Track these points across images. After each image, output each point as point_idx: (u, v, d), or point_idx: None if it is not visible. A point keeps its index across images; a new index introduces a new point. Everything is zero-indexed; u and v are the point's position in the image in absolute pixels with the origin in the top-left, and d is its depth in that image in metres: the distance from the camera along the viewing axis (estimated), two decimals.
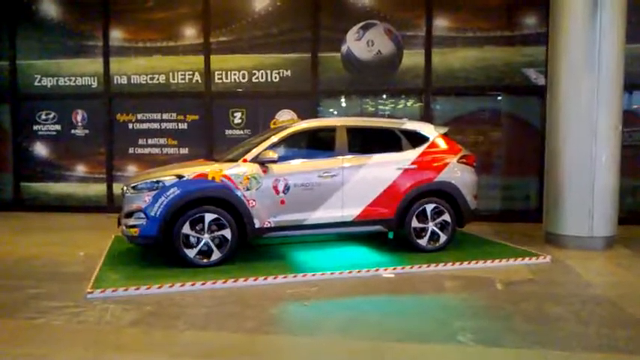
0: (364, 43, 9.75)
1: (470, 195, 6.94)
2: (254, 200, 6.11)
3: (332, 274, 5.78)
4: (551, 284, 5.52)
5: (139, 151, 10.34)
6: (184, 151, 10.20)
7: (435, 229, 6.74)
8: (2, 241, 7.85)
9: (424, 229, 6.72)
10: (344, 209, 6.46)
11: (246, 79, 10.04)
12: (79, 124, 10.50)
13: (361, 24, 9.73)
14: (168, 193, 5.89)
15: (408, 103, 9.96)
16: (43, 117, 10.55)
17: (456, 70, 9.55)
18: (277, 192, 6.20)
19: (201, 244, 5.95)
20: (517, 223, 9.12)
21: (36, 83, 10.52)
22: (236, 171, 6.13)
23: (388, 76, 9.75)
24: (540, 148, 8.23)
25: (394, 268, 5.99)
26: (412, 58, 9.65)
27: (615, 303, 4.90)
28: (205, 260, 5.96)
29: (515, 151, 9.62)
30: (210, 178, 6.06)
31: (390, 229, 6.77)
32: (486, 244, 7.41)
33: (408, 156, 6.78)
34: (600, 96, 6.91)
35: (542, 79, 9.04)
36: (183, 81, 10.18)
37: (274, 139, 6.44)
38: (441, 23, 9.55)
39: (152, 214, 5.85)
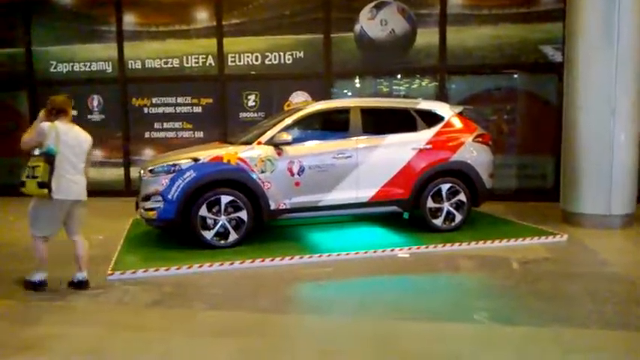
0: (377, 23, 9.64)
1: (485, 174, 6.90)
2: (269, 182, 6.14)
3: (347, 254, 5.81)
4: (567, 263, 5.50)
5: (155, 135, 10.41)
6: (199, 134, 10.24)
7: (451, 208, 6.73)
8: (21, 225, 7.97)
9: (439, 209, 6.71)
10: (359, 190, 6.47)
11: (259, 62, 10.01)
12: (95, 109, 10.59)
13: (374, 3, 9.62)
14: (184, 176, 5.95)
15: (423, 83, 9.86)
16: None
17: (471, 49, 9.41)
18: (292, 174, 6.23)
19: (218, 225, 6.02)
20: (533, 202, 9.04)
21: (52, 69, 10.60)
22: (251, 153, 6.17)
23: (402, 56, 9.65)
24: (557, 126, 8.11)
25: (409, 248, 6.01)
26: (426, 37, 9.53)
27: (632, 281, 4.87)
28: (222, 242, 6.03)
29: (531, 129, 9.49)
30: (225, 160, 6.10)
31: (406, 210, 6.77)
32: (502, 223, 7.38)
33: (423, 136, 6.75)
34: (619, 72, 6.77)
35: (559, 56, 8.87)
36: (196, 64, 10.19)
37: (288, 121, 6.44)
38: (456, 1, 9.39)
39: (169, 197, 5.92)
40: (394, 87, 9.92)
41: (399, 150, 6.62)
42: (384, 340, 3.66)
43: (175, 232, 6.64)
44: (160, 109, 10.35)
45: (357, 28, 9.71)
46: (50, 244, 4.84)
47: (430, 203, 6.66)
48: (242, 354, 3.48)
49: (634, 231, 6.92)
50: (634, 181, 7.08)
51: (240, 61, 10.06)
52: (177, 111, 10.30)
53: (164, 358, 3.44)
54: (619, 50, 6.76)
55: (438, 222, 6.70)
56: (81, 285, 4.78)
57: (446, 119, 6.92)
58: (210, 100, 10.22)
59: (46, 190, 4.44)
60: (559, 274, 5.07)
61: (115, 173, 10.62)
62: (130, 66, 10.36)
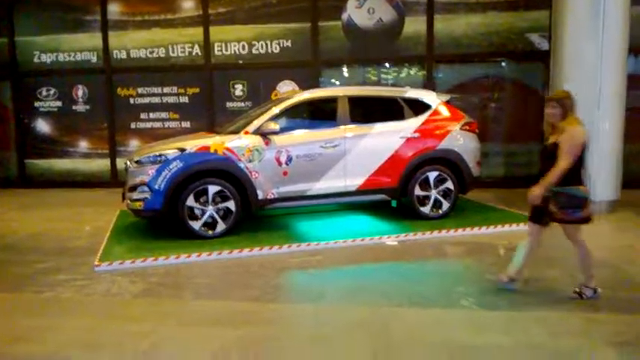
0: (365, 11, 9.61)
1: (472, 162, 6.94)
2: (257, 172, 6.12)
3: (336, 242, 5.83)
4: (552, 248, 5.53)
5: (141, 125, 10.32)
6: (186, 124, 10.18)
7: (438, 196, 6.76)
8: (9, 217, 7.92)
9: (427, 197, 6.74)
10: (347, 179, 6.47)
11: (246, 51, 9.94)
12: (80, 99, 10.47)
13: None
14: (171, 167, 5.91)
15: (411, 71, 9.87)
16: (44, 93, 10.52)
17: (459, 37, 9.42)
18: (280, 163, 6.21)
19: (206, 215, 5.99)
20: (520, 189, 9.07)
21: (35, 60, 10.45)
22: (238, 143, 6.14)
23: (390, 44, 9.63)
24: (543, 114, 8.16)
25: (398, 236, 6.04)
26: (414, 25, 9.52)
27: (617, 266, 4.94)
28: (210, 232, 6.02)
29: (518, 117, 9.55)
30: (212, 150, 6.07)
31: (394, 198, 6.79)
32: (489, 210, 7.43)
33: (411, 124, 6.75)
34: (604, 60, 6.82)
35: (546, 44, 8.92)
36: (182, 54, 10.10)
37: (275, 110, 6.41)
38: None
39: (156, 187, 5.88)
40: (382, 75, 9.91)
41: (386, 138, 6.62)
42: (374, 326, 3.68)
43: (163, 222, 6.61)
44: (146, 99, 10.26)
45: (345, 16, 9.67)
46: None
47: (418, 191, 6.68)
48: (234, 343, 3.49)
49: (619, 217, 7.01)
50: (619, 167, 7.16)
51: (226, 50, 9.99)
52: (164, 101, 10.22)
53: (155, 349, 3.44)
54: (604, 39, 6.79)
55: (426, 210, 6.74)
56: None
57: (433, 107, 6.93)
58: (197, 90, 10.15)
59: None
60: (544, 260, 5.12)
61: (101, 164, 10.53)
62: (115, 56, 10.25)
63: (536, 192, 3.96)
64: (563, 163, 3.86)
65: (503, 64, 9.59)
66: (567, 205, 3.93)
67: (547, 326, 3.61)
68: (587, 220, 4.02)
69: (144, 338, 3.56)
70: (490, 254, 5.39)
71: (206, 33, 9.94)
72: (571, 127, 3.95)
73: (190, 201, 5.92)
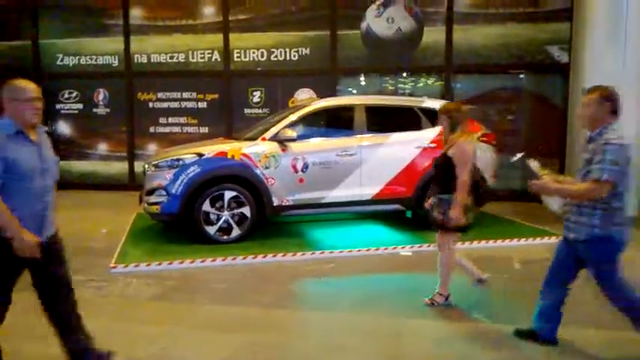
0: (384, 20, 9.63)
1: (489, 174, 6.89)
2: (273, 178, 6.16)
3: (350, 251, 5.83)
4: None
5: (160, 129, 10.43)
6: (204, 129, 10.26)
7: None
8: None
9: None
10: (362, 188, 6.47)
11: (264, 58, 10.02)
12: (101, 102, 10.62)
13: (381, 0, 9.61)
14: (188, 171, 5.97)
15: (429, 82, 9.85)
16: (66, 96, 10.69)
17: (478, 48, 9.38)
18: (296, 170, 6.24)
19: (221, 221, 6.04)
20: (536, 202, 9.00)
21: (58, 62, 10.63)
22: (255, 149, 6.18)
23: (408, 54, 9.64)
24: (562, 127, 8.11)
25: (412, 247, 6.02)
26: (433, 35, 9.51)
27: (631, 283, 4.85)
28: (225, 237, 6.06)
29: (536, 130, 9.47)
30: (229, 156, 6.12)
31: (409, 208, 6.77)
32: (505, 223, 7.37)
33: (427, 134, 6.74)
34: (625, 73, 6.76)
35: (566, 57, 8.85)
36: (202, 60, 10.20)
37: (293, 117, 6.45)
38: None
39: (173, 191, 5.95)
40: (400, 85, 9.91)
41: (403, 148, 6.62)
42: (386, 337, 3.68)
43: (179, 226, 6.66)
44: (165, 104, 10.37)
45: (364, 25, 9.70)
46: None
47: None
48: (245, 349, 3.50)
49: (635, 233, 6.87)
50: (637, 183, 7.05)
51: (245, 57, 10.07)
52: (183, 106, 10.32)
53: (167, 352, 3.47)
54: (626, 51, 6.74)
55: None
56: None
57: None
58: (216, 96, 10.23)
59: None
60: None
61: (120, 167, 10.65)
62: (136, 60, 10.38)
63: (455, 214, 3.91)
64: (462, 179, 3.94)
65: (521, 75, 9.53)
66: (448, 212, 3.95)
67: (560, 344, 3.56)
68: (464, 228, 4.09)
69: (155, 341, 3.59)
70: (504, 268, 5.34)
71: (226, 39, 10.03)
72: (459, 141, 3.99)
73: (206, 206, 5.97)
